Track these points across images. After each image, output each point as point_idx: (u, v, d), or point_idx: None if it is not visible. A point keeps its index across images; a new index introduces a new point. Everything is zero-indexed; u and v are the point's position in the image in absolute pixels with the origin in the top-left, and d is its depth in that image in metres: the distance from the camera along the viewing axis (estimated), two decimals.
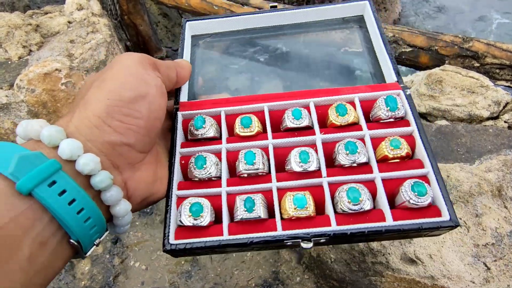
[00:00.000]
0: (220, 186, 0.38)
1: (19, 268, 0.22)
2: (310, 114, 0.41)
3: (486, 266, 0.55)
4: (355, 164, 0.36)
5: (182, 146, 0.40)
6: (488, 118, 0.86)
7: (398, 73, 0.41)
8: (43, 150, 0.26)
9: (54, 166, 0.24)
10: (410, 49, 1.12)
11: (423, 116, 0.89)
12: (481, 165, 0.65)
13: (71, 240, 0.25)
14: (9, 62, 1.13)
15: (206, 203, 0.36)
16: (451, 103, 0.84)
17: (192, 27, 0.52)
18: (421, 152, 0.36)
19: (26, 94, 1.06)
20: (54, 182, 0.24)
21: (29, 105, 1.08)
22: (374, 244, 0.59)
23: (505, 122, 0.85)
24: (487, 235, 0.56)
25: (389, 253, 0.59)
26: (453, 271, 0.55)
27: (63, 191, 0.24)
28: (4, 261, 0.22)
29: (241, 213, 0.35)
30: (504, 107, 0.83)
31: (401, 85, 0.40)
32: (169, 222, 0.36)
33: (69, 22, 1.26)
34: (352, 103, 0.41)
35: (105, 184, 0.27)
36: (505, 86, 1.03)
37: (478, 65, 1.04)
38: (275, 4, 0.52)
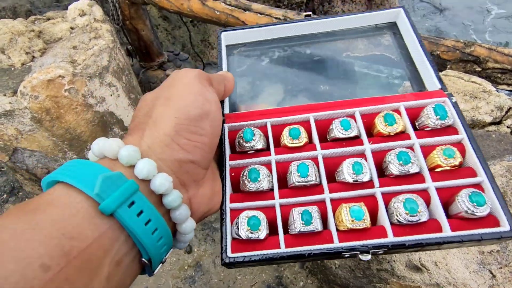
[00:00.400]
0: (272, 198, 0.38)
1: (100, 287, 0.22)
2: (357, 124, 0.41)
3: (491, 273, 0.55)
4: (406, 173, 0.36)
5: (231, 159, 0.40)
6: (490, 123, 0.87)
7: (441, 80, 0.42)
8: (120, 169, 0.26)
9: (133, 187, 0.24)
10: None
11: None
12: None
13: (143, 259, 0.26)
14: (12, 69, 1.10)
15: (262, 216, 0.36)
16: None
17: (227, 37, 0.52)
18: (472, 159, 0.36)
19: (29, 101, 1.03)
20: (133, 203, 0.24)
21: (32, 112, 1.05)
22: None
23: (507, 127, 0.86)
24: None
25: (394, 260, 0.59)
26: (458, 279, 0.55)
27: (141, 212, 0.24)
28: (89, 281, 0.22)
29: (298, 226, 0.35)
30: (506, 112, 0.85)
31: (446, 92, 0.41)
32: (226, 235, 0.35)
33: (72, 28, 1.23)
34: (397, 111, 0.41)
35: (176, 204, 0.28)
36: (507, 90, 1.04)
37: (479, 69, 1.05)
38: (309, 13, 0.53)
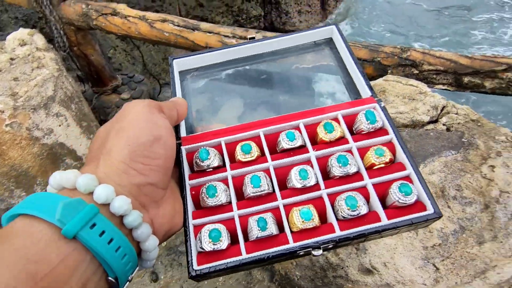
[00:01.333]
0: (231, 210, 0.40)
1: None
2: (301, 134, 0.45)
3: (435, 266, 0.59)
4: (347, 174, 0.41)
5: (190, 178, 0.42)
6: (428, 122, 0.97)
7: (371, 88, 0.48)
8: (79, 196, 0.27)
9: (93, 210, 0.26)
10: None
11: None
12: (425, 168, 0.70)
13: (109, 278, 0.27)
14: None
15: (222, 227, 0.38)
16: (395, 111, 0.91)
17: (178, 64, 0.54)
18: (401, 155, 0.42)
19: None
20: (94, 225, 0.26)
21: None
22: (333, 259, 0.61)
23: (443, 125, 0.96)
24: (434, 236, 0.61)
25: (347, 266, 0.61)
26: (406, 276, 0.58)
27: (103, 232, 0.26)
28: None
29: (255, 232, 0.37)
30: (441, 110, 0.92)
31: (376, 98, 0.47)
32: (190, 250, 0.37)
33: (12, 59, 1.18)
34: (336, 119, 0.46)
35: (137, 223, 0.29)
36: (442, 89, 1.15)
37: (417, 72, 1.13)
38: (253, 36, 0.57)
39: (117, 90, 1.75)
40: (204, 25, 1.39)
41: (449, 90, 1.10)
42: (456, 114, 0.83)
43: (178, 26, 1.39)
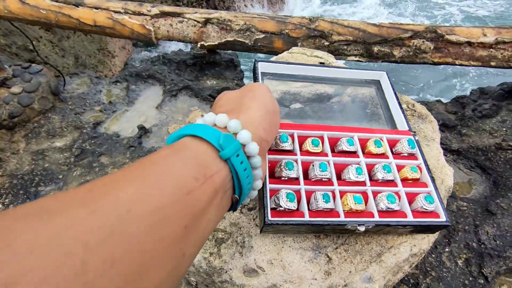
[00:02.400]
0: (299, 184, 0.54)
1: (216, 208, 0.35)
2: (356, 144, 0.60)
3: (327, 257, 0.54)
4: (387, 179, 0.56)
5: (268, 154, 0.56)
6: (334, 95, 0.86)
7: (408, 124, 0.64)
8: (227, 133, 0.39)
9: (239, 145, 0.37)
10: (263, 35, 1.11)
11: (279, 102, 0.85)
12: None
13: (235, 195, 0.38)
14: None
15: (294, 194, 0.51)
16: (299, 85, 0.83)
17: (262, 66, 0.69)
18: (426, 176, 0.57)
19: None
20: (238, 155, 0.37)
21: None
22: (216, 262, 0.55)
23: (348, 96, 0.84)
24: None
25: (231, 269, 0.54)
26: (293, 273, 0.52)
27: (241, 162, 0.37)
28: (215, 197, 0.33)
29: (321, 203, 0.51)
30: None
31: (412, 132, 0.63)
32: (266, 206, 0.50)
33: None
34: (381, 139, 0.62)
35: (258, 164, 0.41)
36: (354, 60, 1.10)
37: (327, 43, 1.08)
38: (323, 61, 0.73)
39: (6, 84, 1.47)
40: (88, 0, 1.23)
41: (361, 61, 1.08)
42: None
43: (56, 1, 1.23)
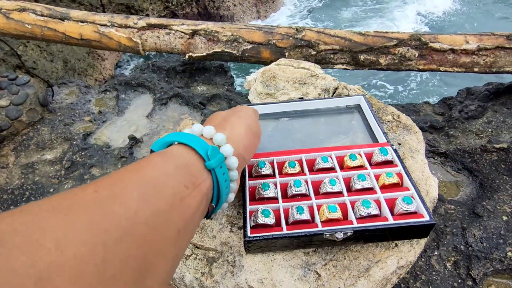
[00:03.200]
0: (277, 202, 0.56)
1: (201, 215, 0.37)
2: (332, 160, 0.63)
3: (317, 273, 0.55)
4: (365, 187, 0.58)
5: (249, 180, 0.60)
6: None
7: (386, 136, 0.67)
8: (211, 144, 0.42)
9: (223, 157, 0.41)
10: (251, 45, 1.12)
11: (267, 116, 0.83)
12: None
13: (212, 204, 0.40)
14: None
15: (271, 210, 0.54)
16: (286, 97, 0.86)
17: None
18: (406, 181, 0.59)
19: None
20: (221, 167, 0.40)
21: None
22: (208, 282, 0.56)
23: (331, 121, 0.84)
24: None
25: None
26: None
27: (223, 173, 0.40)
28: (201, 204, 0.36)
29: (295, 215, 0.53)
30: (333, 93, 0.88)
31: (389, 143, 0.66)
32: (246, 224, 0.53)
33: None
34: (359, 154, 0.64)
35: (236, 178, 0.44)
36: (341, 69, 1.12)
37: (314, 53, 1.09)
38: (302, 96, 0.77)
39: None
40: (75, 13, 1.24)
41: (348, 69, 1.09)
42: (348, 95, 0.83)
43: (41, 16, 1.23)
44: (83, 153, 1.43)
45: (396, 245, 0.61)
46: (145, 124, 1.55)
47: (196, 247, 0.62)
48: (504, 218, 1.03)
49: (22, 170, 1.40)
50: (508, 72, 1.05)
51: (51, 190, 1.32)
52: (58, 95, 1.70)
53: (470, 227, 1.03)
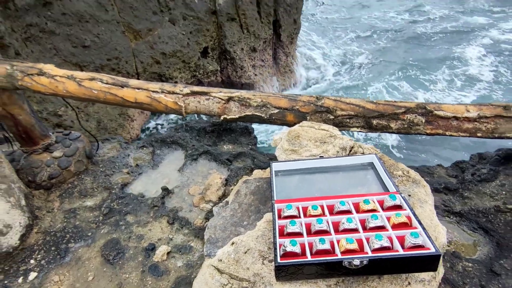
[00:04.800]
0: (303, 237, 0.68)
1: None
2: (349, 205, 0.76)
3: None
4: (377, 225, 0.69)
5: (279, 219, 0.73)
6: None
7: (396, 185, 0.80)
8: None
9: None
10: (277, 110, 1.28)
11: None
12: None
13: None
14: None
15: (297, 241, 0.66)
16: (308, 153, 1.02)
17: (275, 166, 0.91)
18: (414, 222, 0.70)
19: None
20: None
21: None
22: None
23: (350, 175, 0.97)
24: None
25: None
26: None
27: None
28: None
29: (318, 244, 0.65)
30: (350, 150, 1.04)
31: (398, 191, 0.78)
32: (277, 253, 0.64)
33: None
34: (372, 200, 0.77)
35: None
36: (356, 131, 1.27)
37: (332, 117, 1.24)
38: (322, 155, 0.93)
39: (49, 149, 1.70)
40: (133, 82, 1.46)
41: (363, 132, 1.26)
42: (362, 153, 0.98)
43: (106, 83, 1.45)
44: (120, 201, 1.59)
45: (409, 283, 0.69)
46: (176, 177, 1.72)
47: (232, 277, 0.73)
48: None
49: (65, 214, 1.56)
50: (510, 138, 1.18)
51: (89, 234, 1.46)
52: (101, 149, 1.93)
53: (489, 285, 1.07)
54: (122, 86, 1.44)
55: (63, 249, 1.40)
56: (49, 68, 1.49)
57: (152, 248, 1.35)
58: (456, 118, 1.18)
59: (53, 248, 1.41)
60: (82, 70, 5.37)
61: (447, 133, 1.21)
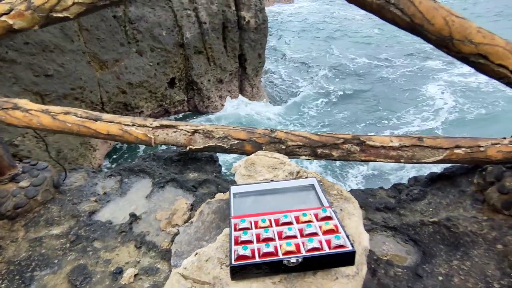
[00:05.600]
0: (253, 243, 0.87)
1: None
2: (291, 218, 0.95)
3: None
4: (311, 232, 0.89)
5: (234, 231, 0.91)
6: None
7: (329, 201, 1.01)
8: None
9: None
10: (237, 141, 1.50)
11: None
12: None
13: None
14: None
15: (248, 246, 0.84)
16: (262, 178, 1.20)
17: (234, 189, 1.09)
18: (340, 228, 0.91)
19: None
20: None
21: None
22: None
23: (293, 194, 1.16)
24: None
25: None
26: None
27: None
28: None
29: (264, 249, 0.83)
30: (296, 175, 1.25)
31: (330, 206, 0.99)
32: (232, 256, 0.81)
33: None
34: (309, 214, 0.97)
35: None
36: (305, 159, 1.51)
37: (284, 147, 1.46)
38: (273, 178, 1.13)
39: (16, 179, 1.72)
40: (105, 116, 1.60)
41: (310, 159, 1.49)
42: (306, 177, 1.20)
43: (81, 117, 1.57)
44: (87, 228, 1.66)
45: (337, 278, 0.89)
46: (144, 203, 1.83)
47: (195, 282, 0.88)
48: (440, 278, 1.30)
49: (30, 243, 1.60)
50: (426, 163, 1.46)
51: (56, 261, 1.51)
52: (69, 179, 2.00)
53: (414, 285, 1.29)
54: (96, 120, 1.57)
55: (27, 278, 1.44)
56: (24, 102, 1.60)
57: (119, 272, 1.43)
58: (383, 147, 1.45)
59: (17, 277, 1.45)
60: (43, 99, 5.32)
61: (377, 159, 1.47)
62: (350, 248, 0.84)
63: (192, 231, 1.06)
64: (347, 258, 0.84)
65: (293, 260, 0.81)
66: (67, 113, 1.55)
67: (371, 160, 1.48)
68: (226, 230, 1.02)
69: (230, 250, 0.85)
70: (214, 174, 2.23)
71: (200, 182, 2.03)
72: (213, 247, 0.96)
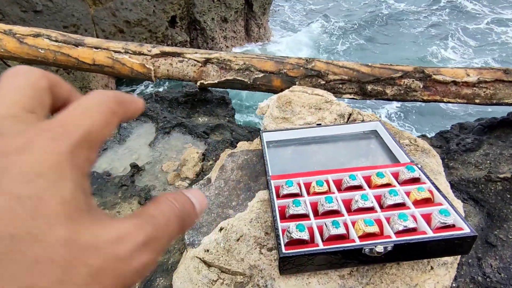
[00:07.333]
0: (309, 219, 0.55)
1: None
2: (360, 179, 0.63)
3: None
4: (397, 203, 0.57)
5: (278, 199, 0.61)
6: None
7: (408, 156, 0.68)
8: None
9: None
10: (262, 74, 1.16)
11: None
12: None
13: None
14: None
15: (305, 225, 0.52)
16: (302, 122, 0.88)
17: (266, 135, 0.77)
18: (438, 197, 0.59)
19: None
20: None
21: None
22: None
23: (350, 144, 0.86)
24: None
25: None
26: None
27: None
28: None
29: (331, 229, 0.51)
30: (348, 118, 0.92)
31: (414, 162, 0.66)
32: (280, 241, 0.50)
33: None
34: (385, 173, 0.64)
35: None
36: (349, 98, 1.15)
37: (324, 82, 1.13)
38: (320, 122, 0.78)
39: None
40: (89, 40, 1.24)
41: (356, 99, 1.13)
42: (362, 121, 0.87)
43: (56, 41, 1.21)
44: None
45: (432, 268, 0.59)
46: (147, 152, 1.52)
47: (222, 271, 0.58)
48: None
49: None
50: (507, 104, 1.11)
51: None
52: None
53: (485, 257, 1.01)
54: (77, 45, 1.19)
55: None
56: None
57: None
58: (455, 83, 1.08)
59: None
60: None
61: (444, 99, 1.11)
62: (468, 230, 0.52)
63: (212, 193, 0.75)
64: (461, 245, 0.53)
65: (380, 248, 0.50)
66: (37, 35, 1.16)
67: (436, 101, 1.13)
68: (260, 194, 0.71)
69: (276, 230, 0.54)
70: (227, 118, 1.88)
71: (212, 127, 1.69)
72: (246, 219, 0.65)
